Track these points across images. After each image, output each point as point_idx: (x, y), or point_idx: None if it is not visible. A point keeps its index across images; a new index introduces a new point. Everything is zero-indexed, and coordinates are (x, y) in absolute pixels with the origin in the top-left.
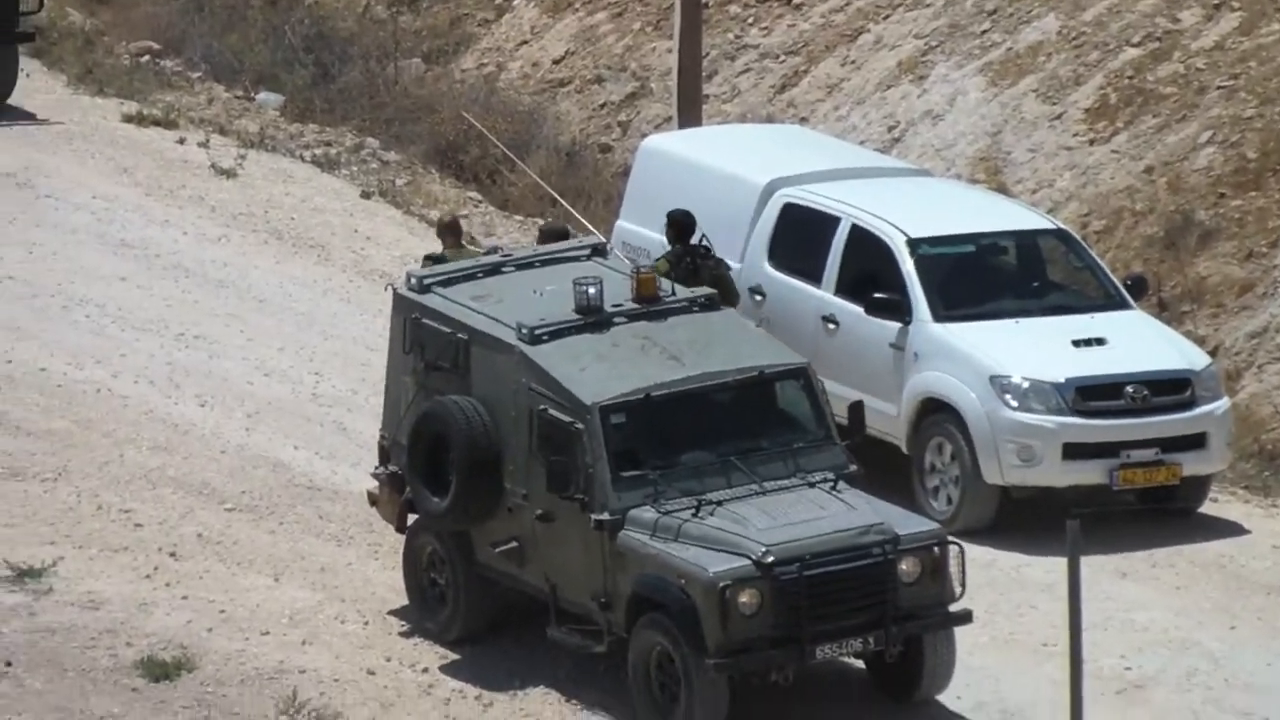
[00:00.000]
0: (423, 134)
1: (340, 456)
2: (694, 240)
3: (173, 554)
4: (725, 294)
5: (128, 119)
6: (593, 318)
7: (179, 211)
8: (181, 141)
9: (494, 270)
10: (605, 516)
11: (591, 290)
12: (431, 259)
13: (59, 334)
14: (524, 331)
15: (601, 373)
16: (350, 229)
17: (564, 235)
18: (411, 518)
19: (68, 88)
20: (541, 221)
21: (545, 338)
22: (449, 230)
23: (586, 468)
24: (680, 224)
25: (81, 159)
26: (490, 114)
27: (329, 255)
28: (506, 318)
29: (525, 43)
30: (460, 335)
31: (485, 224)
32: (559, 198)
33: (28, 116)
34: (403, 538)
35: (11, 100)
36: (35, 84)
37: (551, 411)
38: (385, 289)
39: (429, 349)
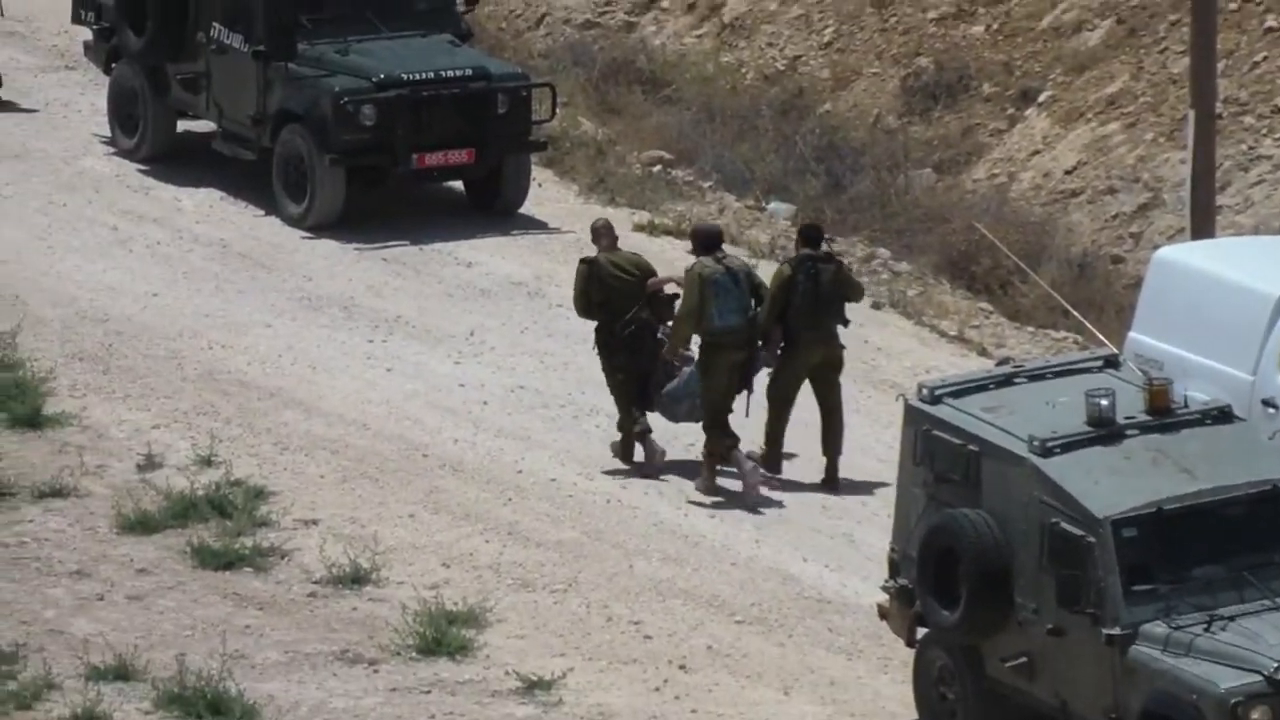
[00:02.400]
0: (934, 244)
1: (850, 569)
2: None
3: (682, 666)
4: (849, 289)
5: (639, 228)
6: (1105, 430)
7: None
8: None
9: (1006, 382)
10: (1116, 631)
11: (1104, 402)
12: (585, 262)
13: (570, 444)
14: (1036, 444)
15: (1114, 486)
16: (861, 339)
17: (718, 236)
18: (922, 631)
19: (579, 197)
20: (1053, 332)
21: (1057, 450)
22: (603, 233)
23: (1098, 582)
24: (807, 236)
25: None
26: (1001, 224)
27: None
28: (1018, 430)
29: (1037, 153)
30: (971, 447)
31: (996, 335)
32: (1071, 309)
33: (540, 226)
34: (913, 652)
35: (523, 209)
36: (547, 193)
37: (1063, 525)
38: (896, 400)
39: (939, 461)
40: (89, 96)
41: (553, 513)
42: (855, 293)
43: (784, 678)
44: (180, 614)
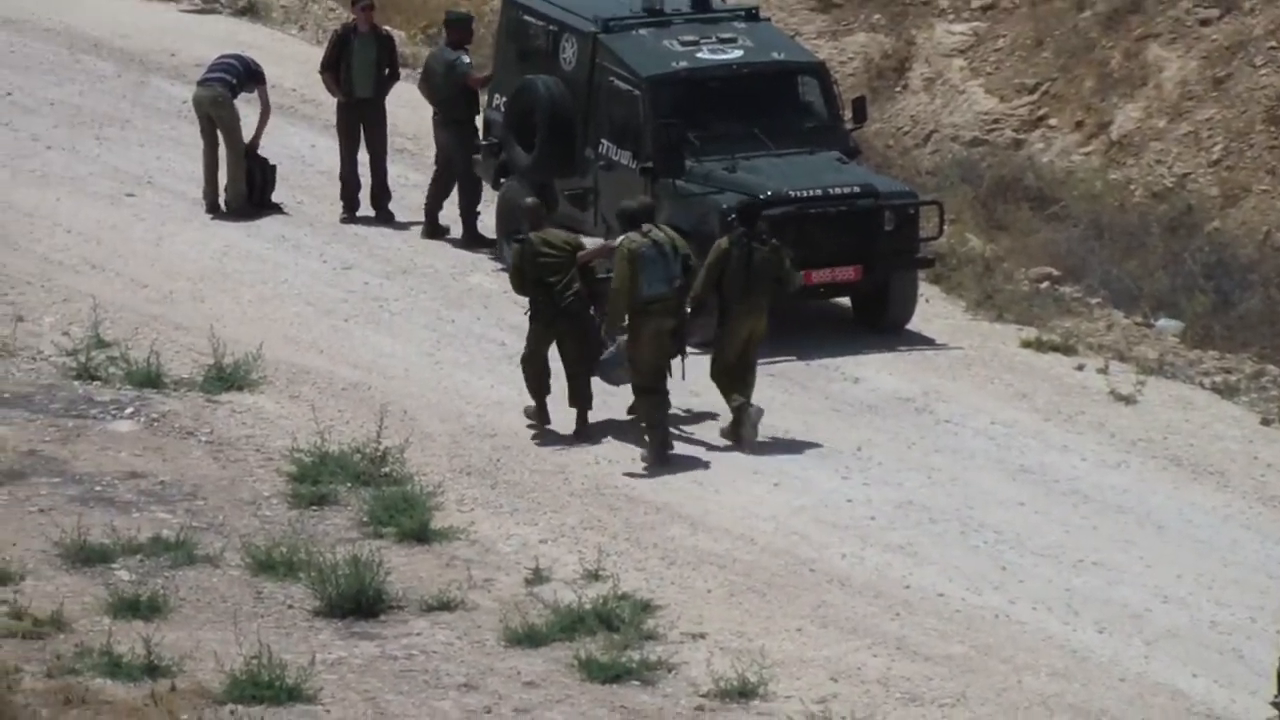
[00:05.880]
0: None
1: (1239, 684)
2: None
3: None
4: (782, 273)
5: (1026, 344)
6: None
7: (1077, 437)
8: (1080, 368)
9: None
10: None
11: None
12: (518, 241)
13: (957, 559)
14: None
15: None
16: (1250, 455)
17: (641, 213)
18: None
19: (966, 313)
20: None
21: None
22: (530, 213)
23: None
24: (742, 216)
25: (980, 384)
26: None
27: (1228, 482)
28: None
29: None
30: None
31: None
32: None
33: (927, 342)
34: None
35: (911, 325)
36: (934, 309)
37: None
38: None
39: None
40: (481, 225)
41: (940, 627)
42: (789, 280)
43: None
44: None
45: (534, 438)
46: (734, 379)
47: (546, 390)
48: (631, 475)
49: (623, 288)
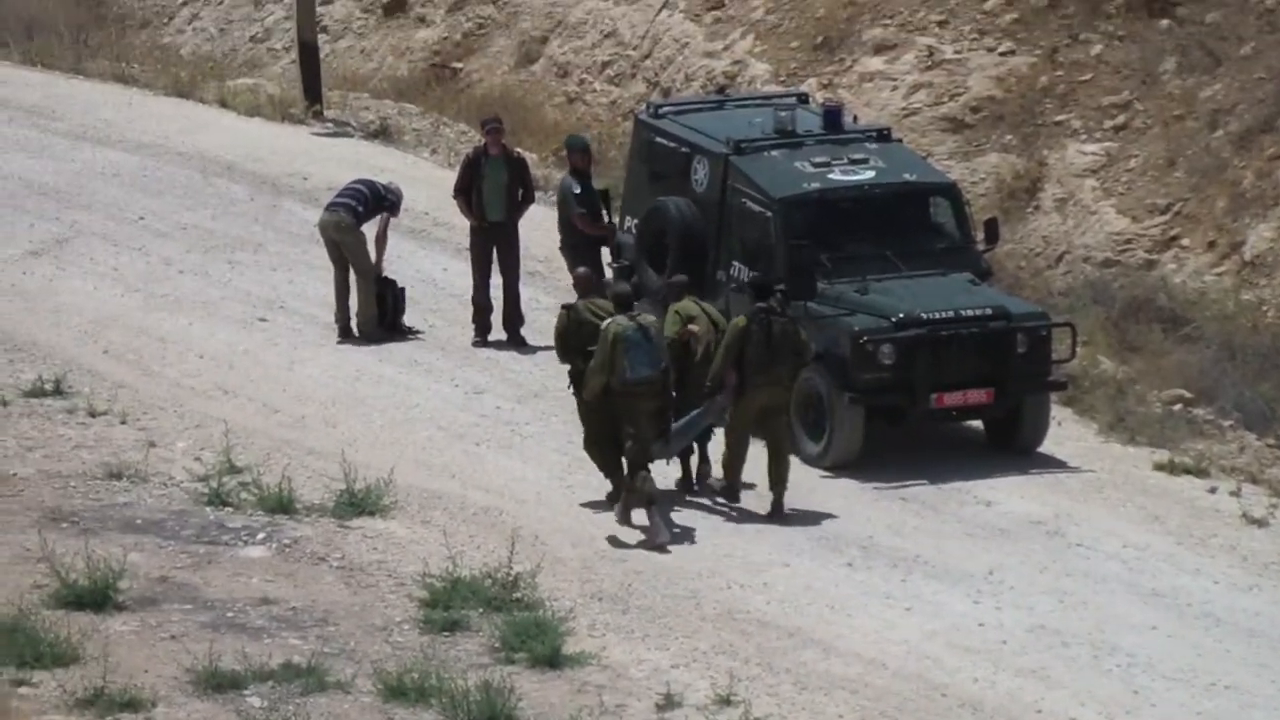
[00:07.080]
0: None
1: None
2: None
3: None
4: (799, 345)
5: (1158, 467)
6: None
7: (1210, 560)
8: (1213, 490)
9: None
10: None
11: None
12: (565, 308)
13: (1090, 683)
14: None
15: None
16: None
17: (629, 297)
18: None
19: (1098, 436)
20: None
21: None
22: (582, 281)
23: None
24: (759, 290)
25: (1112, 507)
26: None
27: None
28: None
29: None
30: None
31: None
32: None
33: (1059, 464)
34: None
35: (1043, 448)
36: (1066, 432)
37: None
38: None
39: None
40: None
41: None
42: (805, 351)
43: None
44: None
45: (661, 555)
46: (741, 455)
47: (619, 467)
48: (765, 599)
49: (600, 367)
